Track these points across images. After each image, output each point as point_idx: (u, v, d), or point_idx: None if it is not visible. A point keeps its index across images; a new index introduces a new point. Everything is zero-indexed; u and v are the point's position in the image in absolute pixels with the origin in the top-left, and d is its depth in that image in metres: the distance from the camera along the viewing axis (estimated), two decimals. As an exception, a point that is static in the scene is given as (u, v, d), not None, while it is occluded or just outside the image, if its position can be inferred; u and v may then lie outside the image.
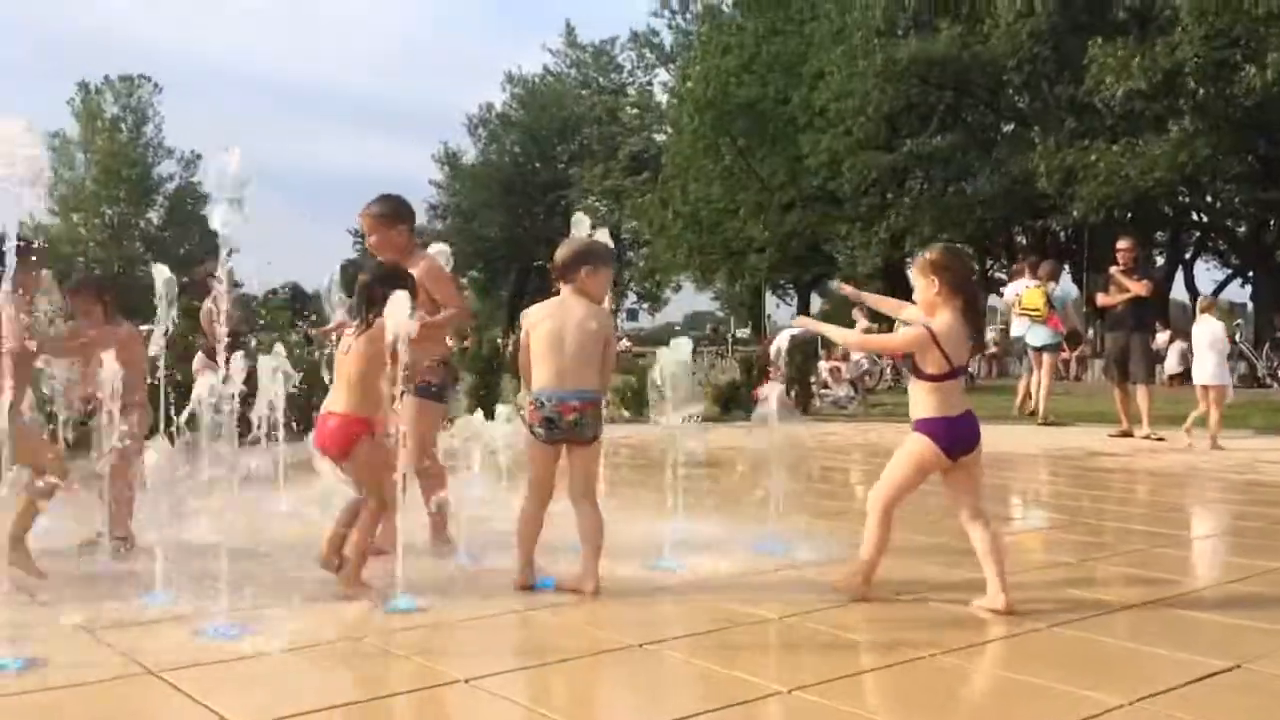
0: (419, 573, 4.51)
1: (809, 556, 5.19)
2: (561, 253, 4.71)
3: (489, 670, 3.43)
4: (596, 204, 50.66)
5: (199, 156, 56.00)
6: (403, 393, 4.98)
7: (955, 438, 4.24)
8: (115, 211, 54.78)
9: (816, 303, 47.24)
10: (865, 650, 3.84)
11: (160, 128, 56.39)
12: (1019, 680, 3.45)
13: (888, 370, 22.02)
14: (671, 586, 4.68)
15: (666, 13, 45.68)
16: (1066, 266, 13.98)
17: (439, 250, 6.05)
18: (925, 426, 4.26)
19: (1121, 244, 12.00)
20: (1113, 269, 11.93)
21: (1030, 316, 12.91)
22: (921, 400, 4.27)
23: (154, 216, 56.94)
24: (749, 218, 33.84)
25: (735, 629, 4.03)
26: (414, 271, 5.00)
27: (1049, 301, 12.82)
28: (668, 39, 47.89)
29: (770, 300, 49.11)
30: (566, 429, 4.44)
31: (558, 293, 4.68)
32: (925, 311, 4.34)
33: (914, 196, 31.44)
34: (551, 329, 4.51)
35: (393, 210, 5.49)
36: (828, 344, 21.11)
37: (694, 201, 34.34)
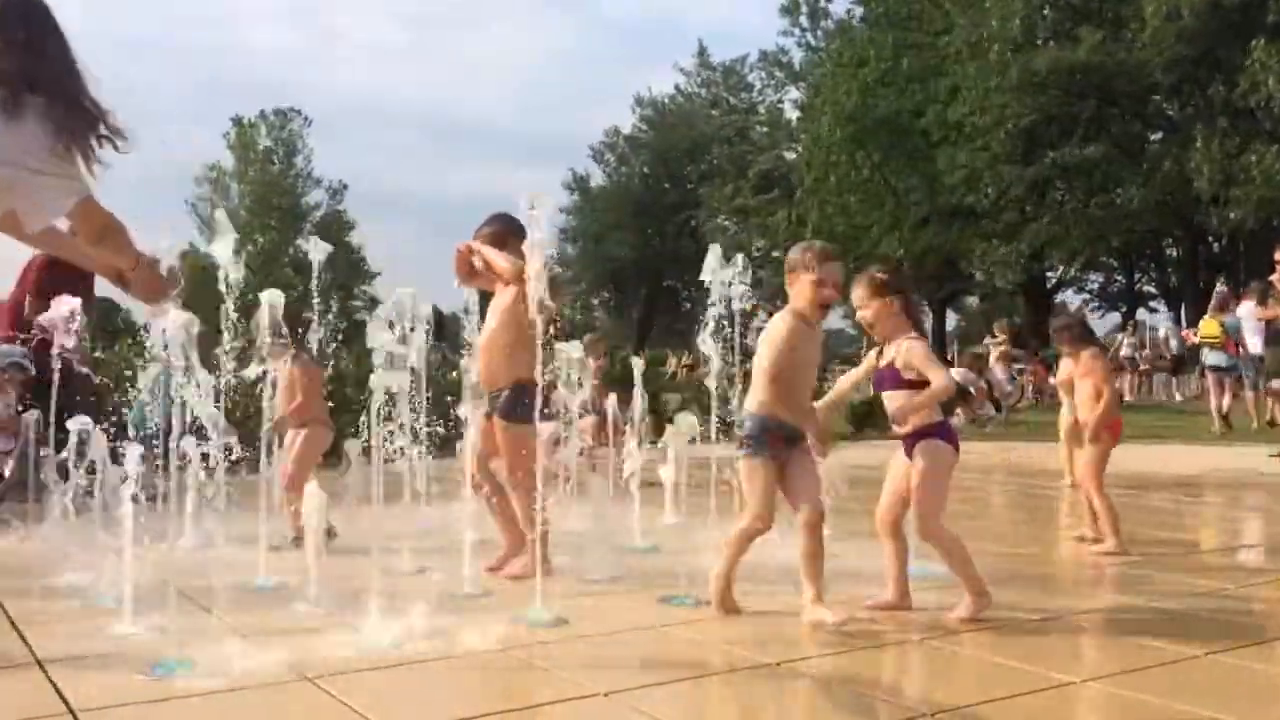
0: (559, 587, 4.59)
1: (951, 578, 5.07)
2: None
3: (628, 684, 3.46)
4: (725, 223, 50.65)
5: (345, 186, 58.22)
6: (488, 413, 5.24)
7: (956, 438, 4.46)
8: (267, 239, 57.36)
9: (952, 319, 46.20)
10: (1008, 675, 3.73)
11: (309, 159, 58.88)
12: (1172, 709, 3.31)
13: (1029, 388, 21.40)
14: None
15: (796, 30, 45.41)
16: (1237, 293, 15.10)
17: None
18: (938, 431, 4.34)
19: None
20: (1273, 278, 11.35)
21: (1209, 344, 14.41)
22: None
23: (302, 243, 59.29)
24: (884, 234, 33.29)
25: (876, 650, 3.98)
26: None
27: (1224, 329, 14.11)
28: (797, 57, 47.63)
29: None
30: None
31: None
32: (885, 332, 4.44)
33: (1055, 209, 30.42)
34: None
35: (504, 228, 5.33)
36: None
37: (830, 216, 33.95)
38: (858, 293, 4.51)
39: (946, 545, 4.34)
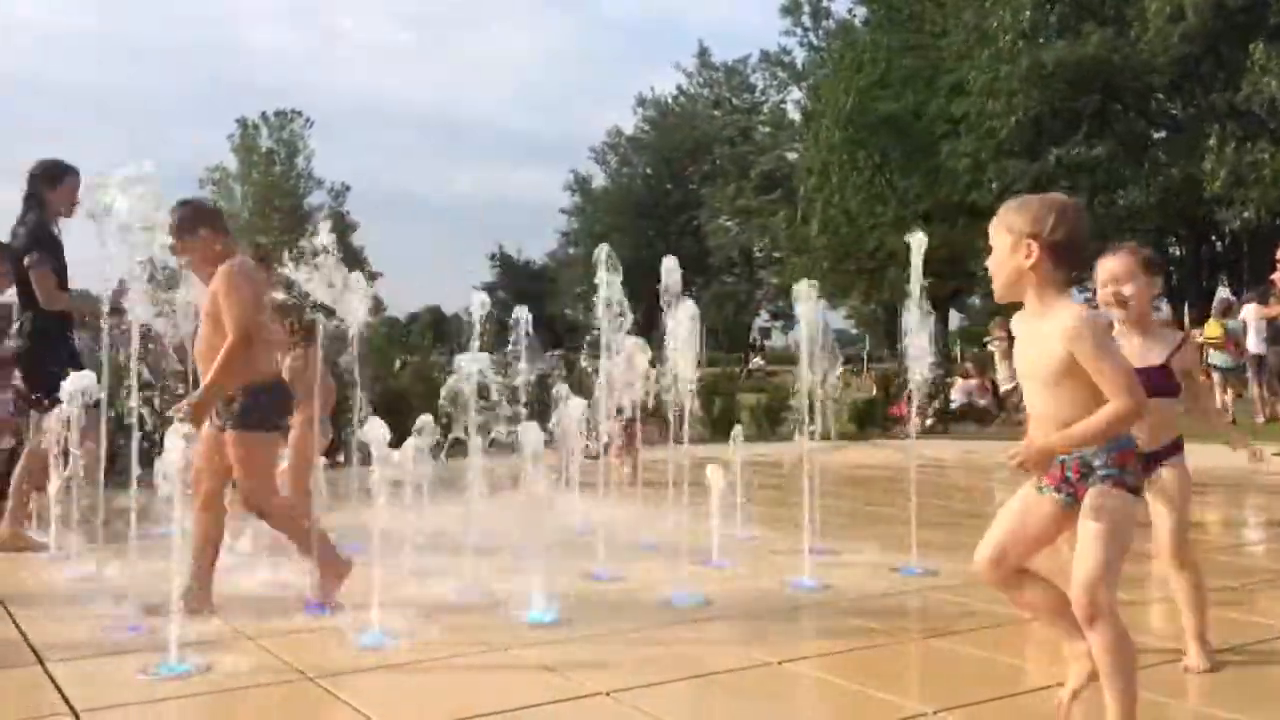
0: (560, 587, 4.59)
1: (952, 577, 5.07)
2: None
3: (629, 684, 3.46)
4: (727, 223, 50.66)
5: (347, 187, 58.29)
6: (223, 425, 4.53)
7: None
8: (269, 240, 57.37)
9: (955, 318, 46.14)
10: (1009, 673, 3.73)
11: (310, 160, 58.90)
12: (1177, 706, 3.30)
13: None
14: (811, 604, 4.64)
15: (799, 30, 45.40)
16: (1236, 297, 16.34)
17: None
18: (1181, 448, 3.64)
19: None
20: (1274, 277, 11.35)
21: (1212, 344, 15.03)
22: (1171, 421, 3.64)
23: (305, 244, 59.32)
24: (886, 234, 33.32)
25: (876, 649, 3.97)
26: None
27: (1225, 331, 14.99)
28: (799, 57, 47.61)
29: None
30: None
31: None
32: (1143, 317, 3.68)
33: (1059, 208, 30.37)
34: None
35: (188, 216, 4.68)
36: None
37: (833, 217, 34.02)
38: (1127, 268, 3.68)
39: (1197, 579, 3.68)
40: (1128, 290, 3.61)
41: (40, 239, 6.00)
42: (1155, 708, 3.28)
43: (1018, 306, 2.89)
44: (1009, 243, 2.82)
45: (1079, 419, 2.69)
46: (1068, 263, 2.79)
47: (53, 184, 6.13)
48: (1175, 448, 3.65)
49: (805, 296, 5.47)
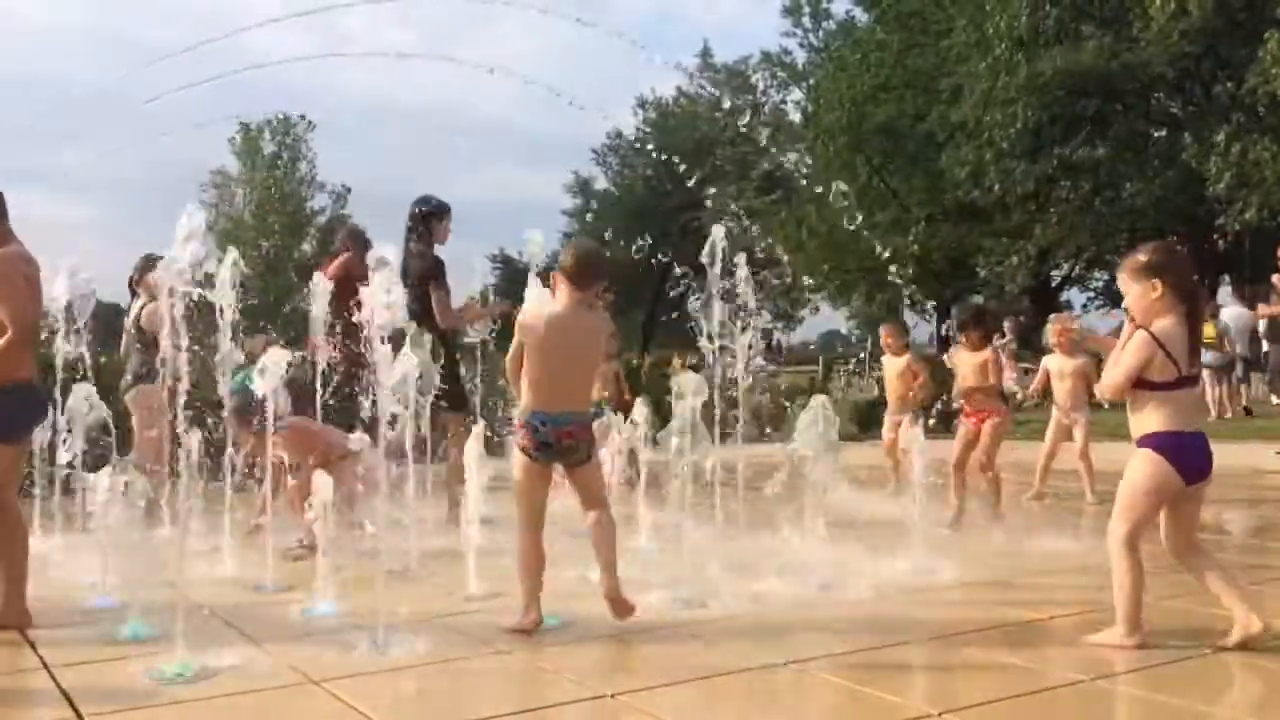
0: (560, 589, 4.59)
1: (954, 579, 5.08)
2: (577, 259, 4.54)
3: (635, 686, 3.46)
4: (728, 224, 50.60)
5: (349, 190, 58.19)
6: None
7: (1191, 458, 3.80)
8: (271, 244, 57.36)
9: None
10: (1015, 675, 3.72)
11: (313, 163, 58.77)
12: (1179, 706, 3.29)
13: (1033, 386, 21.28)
14: (816, 607, 4.64)
15: (799, 30, 45.37)
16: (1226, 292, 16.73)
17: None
18: (1156, 442, 3.80)
19: None
20: (1275, 277, 11.35)
21: (1207, 344, 15.27)
22: (1150, 414, 3.82)
23: (307, 248, 59.39)
24: (886, 235, 33.33)
25: (882, 650, 3.97)
26: None
27: (1218, 331, 15.33)
28: (800, 57, 47.57)
29: (909, 318, 48.16)
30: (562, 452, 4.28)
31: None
32: (1141, 319, 3.87)
33: (1060, 208, 30.38)
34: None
35: None
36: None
37: (830, 221, 34.03)
38: (1120, 277, 4.02)
39: (1125, 563, 3.85)
40: (1127, 300, 3.94)
41: (439, 270, 6.96)
42: (1150, 705, 3.28)
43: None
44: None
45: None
46: (578, 282, 4.42)
47: (440, 220, 7.05)
48: (1142, 440, 3.85)
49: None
